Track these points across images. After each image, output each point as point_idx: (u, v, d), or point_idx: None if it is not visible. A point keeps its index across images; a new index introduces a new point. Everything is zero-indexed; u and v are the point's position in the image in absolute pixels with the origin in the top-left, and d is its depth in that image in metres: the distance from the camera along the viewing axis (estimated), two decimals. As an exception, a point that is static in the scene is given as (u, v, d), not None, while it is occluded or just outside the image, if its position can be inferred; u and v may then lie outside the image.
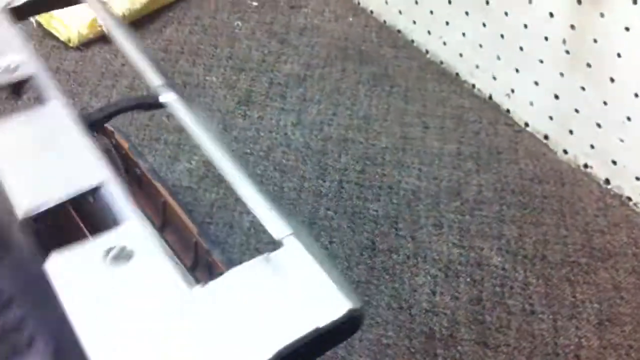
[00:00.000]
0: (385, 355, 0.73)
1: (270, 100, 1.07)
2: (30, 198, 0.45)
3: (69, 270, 0.40)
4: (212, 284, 0.39)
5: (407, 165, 0.98)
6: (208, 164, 0.96)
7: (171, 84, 0.53)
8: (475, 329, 0.76)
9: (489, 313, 0.78)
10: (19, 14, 0.62)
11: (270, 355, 0.36)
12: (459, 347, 0.74)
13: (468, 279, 0.82)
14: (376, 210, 0.91)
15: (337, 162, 0.98)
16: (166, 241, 0.70)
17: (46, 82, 0.53)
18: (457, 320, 0.77)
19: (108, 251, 0.41)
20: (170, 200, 0.70)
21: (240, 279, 0.40)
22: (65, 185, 0.45)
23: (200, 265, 0.68)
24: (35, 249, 0.43)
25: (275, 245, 0.42)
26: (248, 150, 0.99)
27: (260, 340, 0.37)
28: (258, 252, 0.83)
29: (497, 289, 0.81)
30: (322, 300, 0.39)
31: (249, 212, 0.89)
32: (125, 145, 0.73)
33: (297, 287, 0.40)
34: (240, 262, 0.79)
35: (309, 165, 0.97)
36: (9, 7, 0.63)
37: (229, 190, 0.92)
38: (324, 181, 0.95)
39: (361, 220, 0.89)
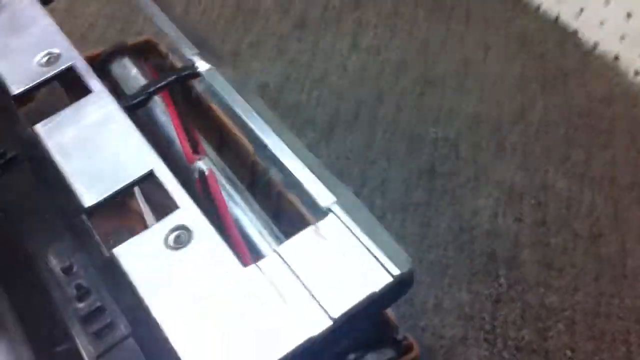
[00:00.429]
0: (445, 275, 0.72)
1: (325, 24, 1.04)
2: (92, 187, 0.47)
3: (136, 257, 0.43)
4: (266, 261, 0.41)
5: (468, 89, 0.94)
6: (263, 88, 0.94)
7: (208, 53, 0.54)
8: (539, 251, 0.74)
9: (554, 236, 0.75)
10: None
11: (331, 322, 0.38)
12: (522, 269, 0.72)
13: (532, 202, 0.79)
14: (436, 134, 0.88)
15: (395, 86, 0.95)
16: (224, 162, 0.69)
17: (85, 71, 0.55)
18: (520, 242, 0.75)
19: (168, 236, 0.44)
20: (226, 121, 0.69)
21: (292, 253, 0.41)
22: (123, 172, 0.48)
23: (258, 184, 0.67)
24: (100, 237, 0.46)
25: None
26: (303, 74, 0.96)
27: (316, 310, 0.39)
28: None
29: (563, 211, 0.78)
30: (372, 267, 0.40)
31: (305, 136, 0.87)
32: (180, 64, 0.72)
33: (345, 255, 0.41)
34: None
35: (366, 89, 0.94)
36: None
37: (285, 114, 0.91)
38: (382, 104, 0.92)
39: (420, 144, 0.86)
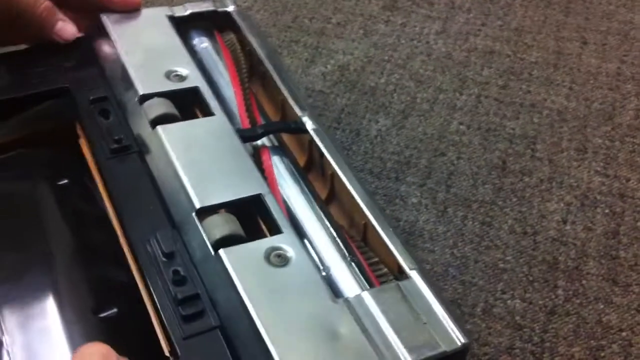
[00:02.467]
0: (500, 280, 0.69)
1: (416, 7, 1.01)
2: (204, 192, 0.51)
3: (239, 261, 0.47)
4: (353, 299, 0.47)
5: (557, 83, 0.89)
6: (343, 69, 0.93)
7: (312, 113, 0.62)
8: (605, 264, 0.69)
9: (625, 249, 0.70)
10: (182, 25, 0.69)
11: None
12: (584, 281, 0.68)
13: (607, 210, 0.74)
14: (513, 129, 0.84)
15: (479, 75, 0.91)
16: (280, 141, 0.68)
17: (209, 96, 0.59)
18: (587, 253, 0.70)
19: (269, 253, 0.48)
20: (288, 98, 0.69)
21: (374, 300, 0.47)
22: (233, 188, 0.52)
23: (314, 165, 0.67)
24: (205, 238, 0.49)
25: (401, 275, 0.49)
26: (386, 58, 0.94)
27: (391, 353, 0.44)
28: (381, 160, 0.80)
29: (639, 224, 0.72)
30: (442, 331, 0.46)
31: (377, 121, 0.86)
32: (254, 41, 0.72)
33: (421, 314, 0.46)
34: (362, 170, 0.76)
35: (447, 77, 0.91)
36: (175, 15, 0.68)
37: (360, 97, 0.89)
38: (461, 94, 0.89)
39: (495, 138, 0.83)
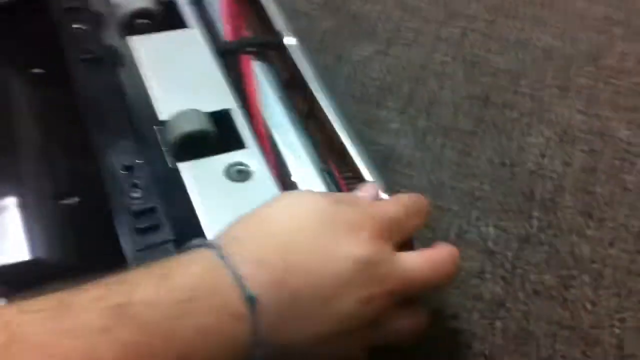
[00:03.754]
0: (475, 207, 0.68)
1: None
2: (170, 105, 0.50)
3: (198, 175, 0.47)
4: None
5: (545, 22, 0.88)
6: (328, -6, 0.90)
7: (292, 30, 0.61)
8: (581, 198, 0.69)
9: (601, 185, 0.70)
10: None
11: None
12: (559, 213, 0.67)
13: (585, 147, 0.74)
14: (498, 64, 0.83)
15: (467, 8, 0.89)
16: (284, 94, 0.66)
17: (185, 9, 0.59)
18: (563, 187, 0.70)
19: (230, 167, 0.48)
20: (270, 14, 0.67)
21: None
22: (201, 102, 0.51)
23: (296, 81, 0.65)
24: (168, 151, 0.48)
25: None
26: (373, -15, 0.92)
27: None
28: (362, 85, 0.79)
29: (617, 162, 0.72)
30: None
31: (360, 47, 0.84)
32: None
33: None
34: (344, 94, 0.74)
35: (434, 8, 0.89)
36: None
37: (345, 22, 0.87)
38: (447, 26, 0.87)
39: (479, 71, 0.82)
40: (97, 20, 0.60)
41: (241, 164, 0.51)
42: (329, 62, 0.82)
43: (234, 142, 0.55)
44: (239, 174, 0.50)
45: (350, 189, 0.56)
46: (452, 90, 0.79)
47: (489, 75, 0.81)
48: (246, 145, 0.52)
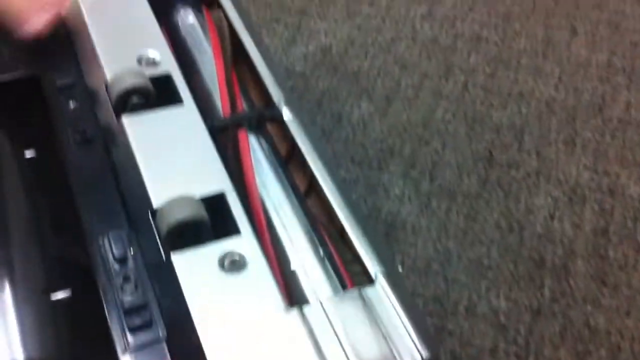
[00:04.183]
0: (484, 277, 0.66)
1: (401, -12, 0.97)
2: (164, 190, 0.48)
3: (190, 267, 0.44)
4: (307, 309, 0.43)
5: (546, 73, 0.86)
6: (325, 51, 0.89)
7: (291, 99, 0.56)
8: (594, 263, 0.66)
9: (614, 248, 0.68)
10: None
11: None
12: (571, 281, 0.65)
13: (595, 207, 0.71)
14: (500, 119, 0.81)
15: (466, 62, 0.88)
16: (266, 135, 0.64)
17: (180, 83, 0.56)
18: (575, 251, 0.67)
19: (224, 257, 0.45)
20: (267, 83, 0.65)
21: (332, 309, 0.43)
22: (195, 185, 0.49)
23: (295, 155, 0.63)
24: (161, 240, 0.46)
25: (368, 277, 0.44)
26: (369, 41, 0.90)
27: None
28: (363, 147, 0.77)
29: (629, 222, 0.70)
30: (403, 344, 0.42)
31: (360, 106, 0.82)
32: (235, 20, 0.68)
33: (381, 325, 0.43)
34: (343, 157, 0.73)
35: (433, 62, 0.87)
36: None
37: (342, 82, 0.85)
38: (447, 81, 0.85)
39: (481, 128, 0.80)
40: (91, 99, 0.58)
41: (235, 253, 0.48)
42: (328, 124, 0.80)
43: (229, 227, 0.53)
44: (233, 264, 0.48)
45: (350, 273, 0.53)
46: (455, 149, 0.77)
47: (492, 132, 0.79)
48: (240, 231, 0.50)
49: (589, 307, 0.63)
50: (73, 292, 0.49)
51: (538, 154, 0.77)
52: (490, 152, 0.77)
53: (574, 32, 0.91)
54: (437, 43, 0.90)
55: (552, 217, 0.71)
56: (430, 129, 0.80)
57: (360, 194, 0.74)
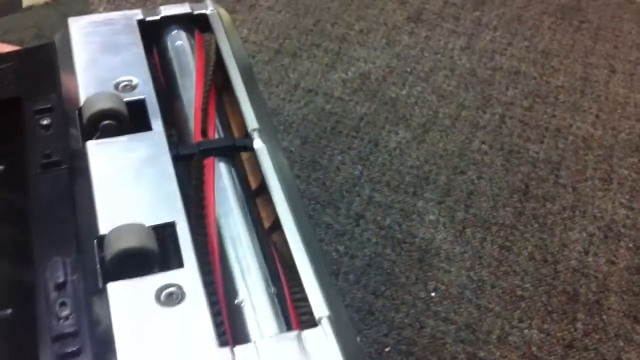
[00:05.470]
0: (517, 308, 0.66)
1: (441, 20, 0.99)
2: (113, 217, 0.48)
3: (125, 297, 0.44)
4: (239, 349, 0.42)
5: (583, 110, 0.87)
6: (364, 78, 0.90)
7: (265, 130, 0.55)
8: (627, 300, 0.66)
9: (649, 286, 0.68)
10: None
11: None
12: (604, 316, 0.65)
13: (630, 245, 0.71)
14: (537, 153, 0.81)
15: (503, 95, 0.89)
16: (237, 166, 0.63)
17: (152, 109, 0.56)
18: (608, 287, 0.67)
19: (162, 289, 0.44)
20: (243, 111, 0.63)
21: (268, 350, 0.42)
22: (147, 214, 0.48)
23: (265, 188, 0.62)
24: (100, 268, 0.46)
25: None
26: (408, 69, 0.92)
27: None
28: (399, 173, 0.77)
29: (664, 261, 0.70)
30: None
31: (397, 133, 0.83)
32: (225, 48, 0.67)
33: None
34: (379, 182, 0.74)
35: (471, 94, 0.88)
36: (146, 20, 0.65)
37: (380, 108, 0.87)
38: (485, 113, 0.86)
39: (518, 161, 0.80)
40: (65, 122, 0.58)
41: (174, 285, 0.47)
42: (365, 149, 0.81)
43: (173, 259, 0.51)
44: (169, 297, 0.47)
45: (300, 313, 0.51)
46: (491, 180, 0.78)
47: (528, 165, 0.80)
48: (184, 264, 0.47)
49: (621, 343, 0.63)
50: (13, 313, 0.49)
51: (574, 189, 0.77)
52: (526, 185, 0.77)
53: (612, 71, 0.91)
54: (475, 75, 0.91)
55: (586, 252, 0.71)
56: (467, 159, 0.80)
57: (394, 219, 0.74)
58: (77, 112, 0.55)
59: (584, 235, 0.72)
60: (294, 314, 0.48)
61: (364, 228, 0.73)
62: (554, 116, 0.86)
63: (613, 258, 0.70)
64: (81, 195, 0.52)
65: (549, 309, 0.66)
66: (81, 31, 0.61)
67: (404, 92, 0.89)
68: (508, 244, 0.71)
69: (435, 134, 0.83)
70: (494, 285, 0.68)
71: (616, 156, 0.81)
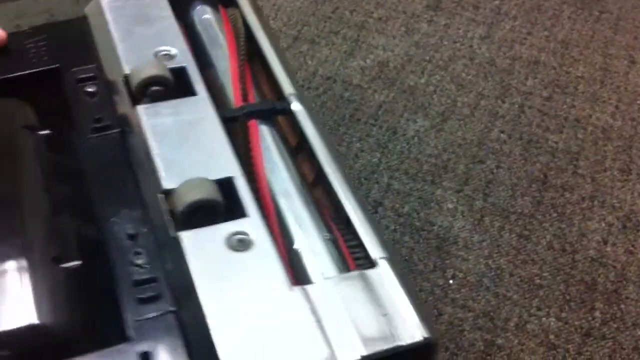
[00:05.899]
0: (535, 296, 0.66)
1: (461, 9, 0.99)
2: (174, 173, 0.51)
3: (198, 244, 0.46)
4: (310, 287, 0.44)
5: (603, 100, 0.87)
6: (382, 65, 0.90)
7: (300, 93, 0.58)
8: (646, 290, 0.67)
9: (667, 277, 0.68)
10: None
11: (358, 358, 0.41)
12: (622, 306, 0.65)
13: (649, 235, 0.71)
14: (556, 143, 0.81)
15: (523, 84, 0.88)
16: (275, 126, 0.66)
17: (194, 76, 0.59)
18: (627, 277, 0.68)
19: (231, 236, 0.47)
20: (278, 77, 0.66)
21: (335, 288, 0.44)
22: (205, 170, 0.51)
23: (304, 146, 0.64)
24: (169, 219, 0.48)
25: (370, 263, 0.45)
26: (427, 58, 0.92)
27: (342, 345, 0.41)
28: (417, 161, 0.78)
29: (683, 252, 0.70)
30: (403, 324, 0.43)
31: (415, 121, 0.83)
32: (251, 18, 0.70)
33: (382, 306, 0.44)
34: (397, 170, 0.74)
35: (490, 83, 0.88)
36: None
37: (399, 96, 0.87)
38: (504, 102, 0.86)
39: (537, 150, 0.80)
40: (109, 89, 0.61)
41: (242, 232, 0.50)
42: (383, 136, 0.82)
43: (237, 211, 0.55)
44: (240, 243, 0.49)
45: (355, 258, 0.54)
46: (510, 169, 0.78)
47: (547, 155, 0.80)
48: (248, 214, 0.51)
49: (638, 332, 0.63)
50: (83, 264, 0.51)
51: (593, 179, 0.77)
52: (545, 175, 0.77)
53: (632, 62, 0.91)
54: (494, 64, 0.91)
55: (605, 242, 0.71)
56: (485, 148, 0.80)
57: (413, 207, 0.75)
58: (123, 79, 0.58)
59: (603, 225, 0.72)
60: (349, 257, 0.51)
61: (382, 215, 0.73)
62: (574, 106, 0.86)
63: (632, 248, 0.70)
64: (135, 156, 0.55)
65: (567, 297, 0.66)
66: (113, 4, 0.64)
67: (422, 81, 0.89)
68: (526, 232, 0.71)
69: (454, 123, 0.83)
70: (512, 274, 0.68)
71: (635, 147, 0.81)
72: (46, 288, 0.46)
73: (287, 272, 0.46)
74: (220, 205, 0.50)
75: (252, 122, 0.61)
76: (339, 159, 0.57)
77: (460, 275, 0.68)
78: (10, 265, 0.48)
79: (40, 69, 0.61)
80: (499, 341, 0.63)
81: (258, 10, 0.69)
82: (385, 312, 0.43)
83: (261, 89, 0.68)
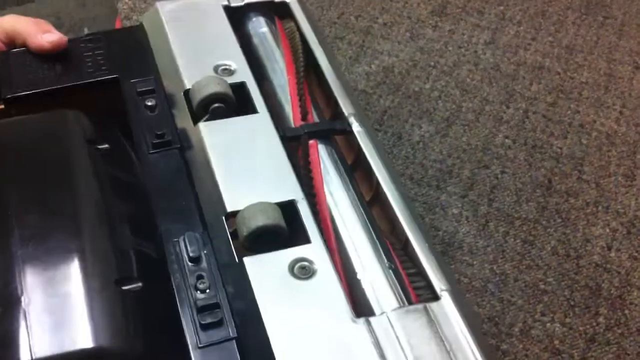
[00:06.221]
0: (539, 301, 0.66)
1: (465, 14, 0.99)
2: (237, 195, 0.50)
3: (262, 270, 0.46)
4: (374, 320, 0.44)
5: (607, 106, 0.87)
6: (387, 71, 0.91)
7: (360, 114, 0.58)
8: (650, 295, 0.67)
9: (671, 282, 0.68)
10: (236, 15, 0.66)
11: None
12: (627, 311, 0.65)
13: (653, 241, 0.72)
14: (560, 148, 0.81)
15: (527, 89, 0.89)
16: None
17: (254, 92, 0.58)
18: (631, 282, 0.68)
19: (294, 263, 0.47)
20: (338, 96, 0.66)
21: (398, 321, 0.44)
22: (267, 193, 0.51)
23: (360, 165, 0.65)
24: (235, 243, 0.47)
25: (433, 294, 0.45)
26: (432, 63, 0.92)
27: None
28: (422, 167, 0.78)
29: (687, 258, 0.70)
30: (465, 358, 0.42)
31: (420, 126, 0.83)
32: (309, 34, 0.70)
33: (445, 341, 0.43)
34: (402, 175, 0.74)
35: (495, 89, 0.89)
36: (231, 5, 0.67)
37: (404, 101, 0.87)
38: (508, 107, 0.86)
39: (541, 156, 0.81)
40: (170, 103, 0.60)
41: (306, 259, 0.50)
42: (388, 141, 0.82)
43: (299, 236, 0.54)
44: (303, 270, 0.49)
45: (415, 287, 0.54)
46: (514, 175, 0.78)
47: (551, 160, 0.80)
48: (310, 239, 0.51)
49: (644, 339, 0.63)
50: (144, 286, 0.50)
51: (597, 184, 0.77)
52: (550, 180, 0.78)
53: (636, 67, 0.91)
54: (499, 70, 0.91)
55: (609, 248, 0.71)
56: (490, 154, 0.81)
57: (417, 212, 0.75)
58: (184, 94, 0.58)
59: (607, 230, 0.73)
60: (411, 288, 0.51)
61: (388, 220, 0.74)
62: (578, 112, 0.86)
63: (636, 254, 0.70)
64: (196, 174, 0.55)
65: (572, 303, 0.66)
66: (172, 15, 0.64)
67: (427, 86, 0.89)
68: (531, 238, 0.72)
69: (459, 128, 0.84)
70: (517, 279, 0.68)
71: (639, 153, 0.81)
72: (108, 311, 0.45)
73: (349, 302, 0.46)
74: (284, 231, 0.50)
75: (313, 143, 0.61)
76: (398, 181, 0.57)
77: (465, 280, 0.68)
78: (73, 287, 0.48)
79: (100, 78, 0.60)
80: (504, 346, 0.64)
81: (314, 23, 0.69)
82: (449, 349, 0.43)
83: (316, 102, 0.69)
